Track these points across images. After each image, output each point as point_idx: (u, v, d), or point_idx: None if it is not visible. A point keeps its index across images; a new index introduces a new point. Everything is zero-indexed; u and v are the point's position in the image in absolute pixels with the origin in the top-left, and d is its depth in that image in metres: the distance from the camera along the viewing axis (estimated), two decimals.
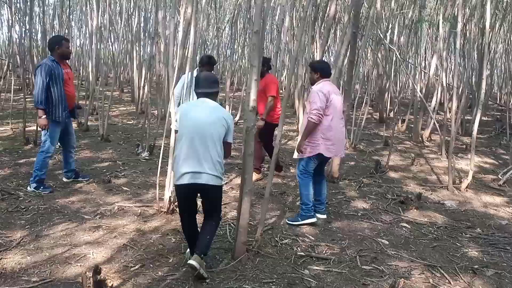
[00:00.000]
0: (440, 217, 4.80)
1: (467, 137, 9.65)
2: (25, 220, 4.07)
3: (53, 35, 10.94)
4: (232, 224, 4.17)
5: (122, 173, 5.75)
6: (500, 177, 6.41)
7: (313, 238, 4.03)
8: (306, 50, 9.56)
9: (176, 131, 3.35)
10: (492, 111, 16.18)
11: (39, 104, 4.72)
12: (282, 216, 4.57)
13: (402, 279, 3.17)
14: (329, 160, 4.73)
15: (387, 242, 4.03)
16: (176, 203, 4.38)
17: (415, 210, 4.95)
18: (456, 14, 9.35)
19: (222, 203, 3.44)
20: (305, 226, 4.30)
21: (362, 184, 5.89)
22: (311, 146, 4.28)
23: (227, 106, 10.88)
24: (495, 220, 4.80)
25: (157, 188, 4.52)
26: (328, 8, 9.07)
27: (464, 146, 8.75)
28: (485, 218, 4.88)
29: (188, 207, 3.29)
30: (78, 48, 17.07)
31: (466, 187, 5.82)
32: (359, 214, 4.76)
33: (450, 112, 9.75)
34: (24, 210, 4.32)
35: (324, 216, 4.53)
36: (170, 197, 4.35)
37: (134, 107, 11.64)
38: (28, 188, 4.86)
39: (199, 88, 3.27)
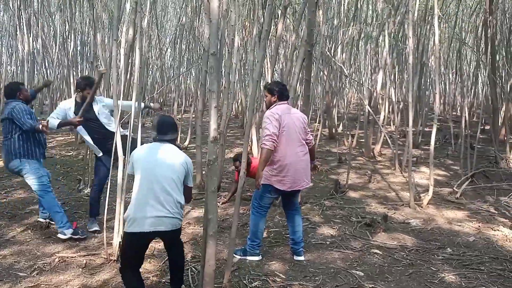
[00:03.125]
0: (409, 239, 4.64)
1: (415, 149, 9.80)
2: None
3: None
4: (194, 268, 3.73)
5: None
6: (456, 190, 6.45)
7: (284, 277, 3.68)
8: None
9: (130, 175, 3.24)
10: (430, 121, 16.80)
11: (37, 124, 4.19)
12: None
13: None
14: (298, 192, 4.18)
15: (362, 274, 3.77)
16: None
17: (383, 232, 4.77)
18: (399, 32, 9.61)
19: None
20: (274, 262, 3.95)
21: (325, 207, 5.67)
22: (263, 177, 3.89)
23: None
24: (462, 237, 4.72)
25: (105, 231, 3.98)
26: (274, 27, 9.00)
27: (415, 159, 8.84)
28: (452, 236, 4.79)
29: (138, 258, 3.05)
30: (8, 76, 15.86)
31: (427, 203, 5.77)
32: (328, 242, 4.49)
33: (395, 125, 9.90)
34: None
35: (302, 258, 4.02)
36: (120, 242, 3.83)
37: (74, 137, 10.81)
38: None
39: (158, 135, 3.18)
